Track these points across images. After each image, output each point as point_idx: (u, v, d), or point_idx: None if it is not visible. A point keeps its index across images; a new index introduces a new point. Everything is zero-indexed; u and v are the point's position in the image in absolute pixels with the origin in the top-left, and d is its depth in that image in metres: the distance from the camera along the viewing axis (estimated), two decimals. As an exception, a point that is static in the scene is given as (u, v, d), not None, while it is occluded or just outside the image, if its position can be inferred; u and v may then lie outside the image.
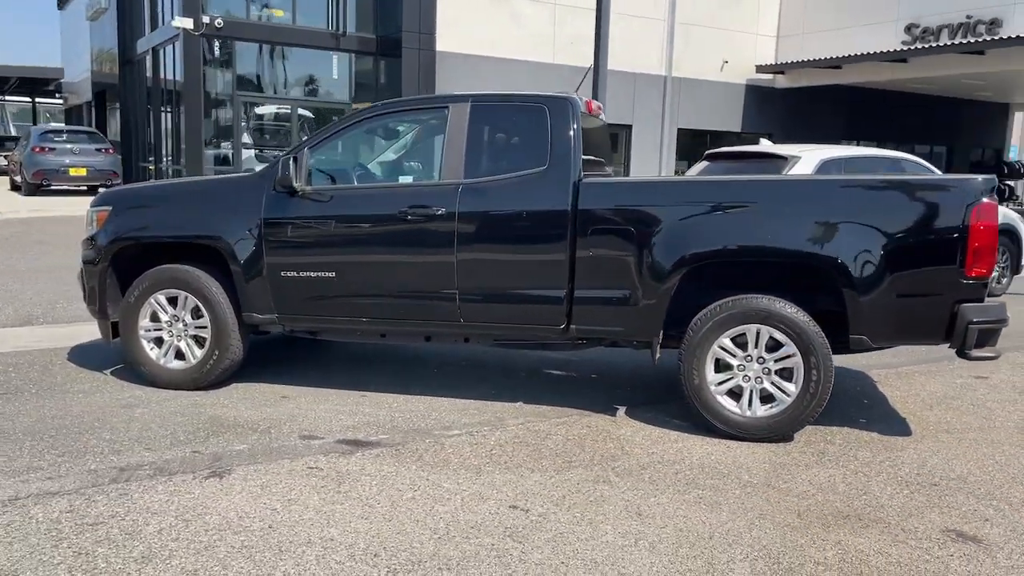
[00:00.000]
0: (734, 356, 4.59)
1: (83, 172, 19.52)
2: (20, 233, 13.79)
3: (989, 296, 4.55)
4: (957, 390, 5.84)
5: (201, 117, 19.03)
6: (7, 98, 50.32)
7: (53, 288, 8.80)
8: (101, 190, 20.40)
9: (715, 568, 3.14)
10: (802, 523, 3.56)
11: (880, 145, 23.68)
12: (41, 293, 8.55)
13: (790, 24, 25.69)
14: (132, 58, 24.86)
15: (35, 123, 41.53)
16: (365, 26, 20.83)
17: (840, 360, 5.27)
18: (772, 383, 4.56)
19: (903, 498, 3.86)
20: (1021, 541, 3.44)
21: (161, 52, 21.47)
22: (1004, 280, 10.27)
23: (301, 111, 20.57)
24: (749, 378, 4.58)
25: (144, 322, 5.29)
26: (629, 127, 23.28)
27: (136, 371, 5.37)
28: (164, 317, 5.27)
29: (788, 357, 4.50)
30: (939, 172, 10.20)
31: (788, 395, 4.52)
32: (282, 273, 5.09)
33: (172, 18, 19.23)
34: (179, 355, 5.30)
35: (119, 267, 5.42)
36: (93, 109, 31.73)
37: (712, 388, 4.62)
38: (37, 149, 19.65)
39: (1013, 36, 19.80)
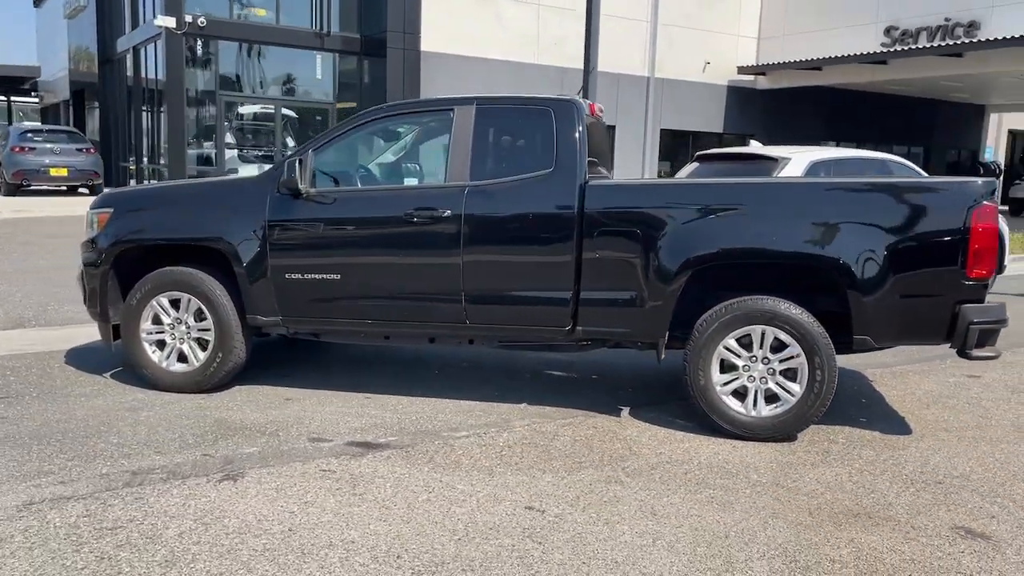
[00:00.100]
0: (739, 357, 4.65)
1: (64, 172, 19.31)
2: (5, 235, 13.63)
3: None
4: (952, 389, 5.94)
5: (184, 117, 18.90)
6: (-20, 97, 49.63)
7: (42, 290, 8.73)
8: (83, 190, 20.22)
9: (734, 567, 3.18)
10: (814, 521, 3.61)
11: (859, 146, 23.96)
12: (30, 295, 8.47)
13: (771, 26, 25.91)
14: (112, 57, 24.62)
15: (10, 122, 40.97)
16: (349, 26, 20.78)
17: (836, 360, 5.33)
18: (777, 383, 4.62)
19: (910, 496, 3.93)
20: (1028, 537, 3.51)
21: (142, 51, 21.30)
22: None
23: (284, 111, 20.48)
24: (754, 378, 4.64)
25: (146, 325, 5.27)
26: (612, 128, 23.38)
27: (138, 374, 5.34)
28: (166, 320, 5.25)
29: (792, 358, 4.56)
30: (925, 174, 10.36)
31: (792, 395, 4.58)
32: (286, 275, 5.08)
33: (153, 16, 19.12)
34: (182, 358, 5.28)
35: (120, 269, 5.39)
36: (71, 108, 31.38)
37: (718, 388, 4.67)
38: (17, 149, 19.41)
39: (991, 38, 20.09)
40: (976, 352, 4.51)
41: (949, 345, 4.61)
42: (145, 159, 22.00)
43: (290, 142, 20.78)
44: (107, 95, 25.57)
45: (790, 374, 4.60)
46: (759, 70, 25.74)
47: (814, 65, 23.82)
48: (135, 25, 22.01)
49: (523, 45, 21.49)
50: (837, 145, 26.34)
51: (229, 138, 19.91)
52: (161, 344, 5.29)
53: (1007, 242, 10.40)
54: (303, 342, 6.23)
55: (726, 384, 4.68)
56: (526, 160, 4.98)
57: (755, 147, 10.00)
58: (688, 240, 4.62)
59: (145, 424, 4.65)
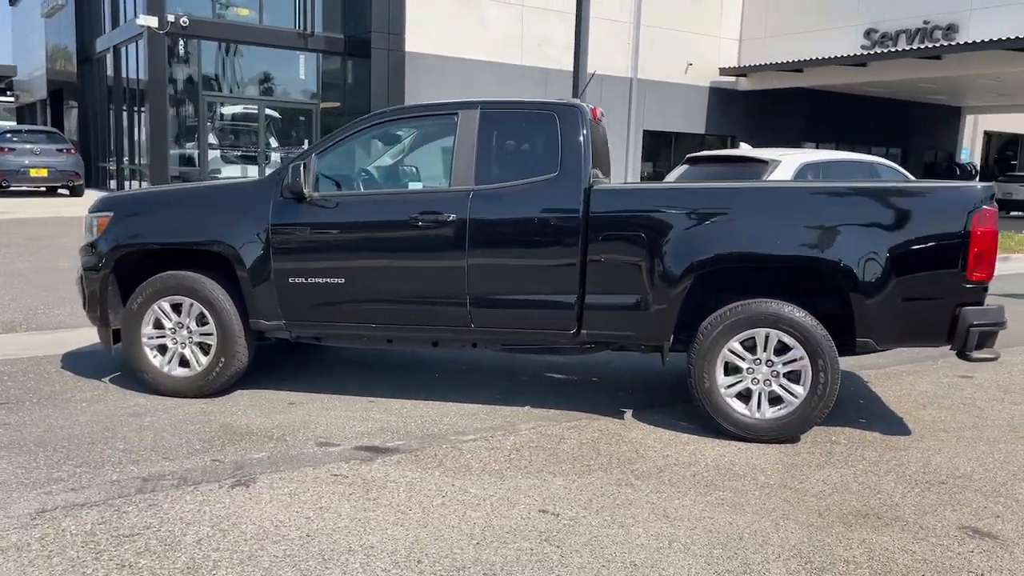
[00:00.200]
0: (743, 359, 4.70)
1: (44, 173, 19.08)
2: (-15, 236, 13.46)
3: None
4: (946, 389, 6.03)
5: (166, 117, 18.78)
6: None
7: (30, 293, 8.65)
8: (63, 191, 19.99)
9: (751, 569, 3.22)
10: (824, 523, 3.66)
11: (838, 147, 24.21)
12: (19, 299, 8.38)
13: (752, 27, 26.13)
14: (91, 56, 24.39)
15: (-15, 122, 40.39)
16: (332, 26, 20.72)
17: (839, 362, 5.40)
18: (780, 385, 4.67)
19: (915, 496, 3.99)
20: (1033, 536, 3.59)
21: (123, 50, 21.12)
22: None
23: (268, 111, 20.38)
24: (758, 381, 4.69)
25: (147, 329, 5.24)
26: (596, 129, 23.43)
27: (139, 379, 5.31)
28: (168, 324, 5.22)
29: (796, 360, 4.62)
30: (911, 176, 10.49)
31: (796, 397, 4.64)
32: (290, 279, 5.08)
33: (135, 16, 18.97)
34: (183, 362, 5.26)
35: (120, 274, 5.36)
36: (48, 108, 31.03)
37: (722, 391, 4.72)
38: (-4, 149, 19.19)
39: (969, 41, 20.38)
40: (976, 354, 4.58)
41: (949, 347, 4.68)
42: (126, 160, 21.80)
43: (273, 143, 20.69)
44: (86, 95, 25.32)
45: (793, 376, 4.66)
46: (741, 71, 25.96)
47: (795, 67, 24.05)
48: (115, 24, 21.82)
49: (507, 46, 21.54)
50: (817, 146, 26.65)
51: (212, 139, 19.78)
52: (163, 349, 5.26)
53: None
54: (302, 345, 6.21)
55: (730, 387, 4.72)
56: (530, 164, 5.01)
57: (745, 149, 10.08)
58: (694, 244, 4.66)
59: (150, 429, 4.63)
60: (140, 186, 20.27)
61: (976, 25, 20.74)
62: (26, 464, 4.05)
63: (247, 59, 20.02)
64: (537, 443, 4.60)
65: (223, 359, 5.15)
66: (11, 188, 19.79)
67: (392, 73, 19.65)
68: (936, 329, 4.60)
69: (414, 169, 5.81)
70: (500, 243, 4.91)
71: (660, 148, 26.20)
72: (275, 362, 6.15)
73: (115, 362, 5.80)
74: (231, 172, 19.91)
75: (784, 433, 4.67)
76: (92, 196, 20.62)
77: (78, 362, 6.03)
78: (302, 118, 20.93)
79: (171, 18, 18.16)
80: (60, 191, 20.27)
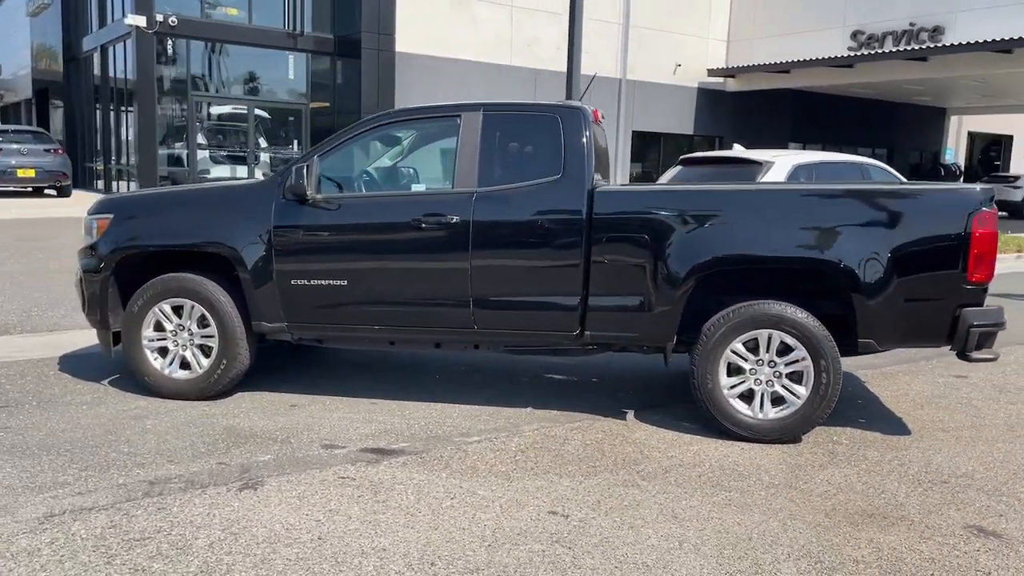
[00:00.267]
0: (746, 360, 4.73)
1: (31, 173, 18.93)
2: (-28, 237, 13.35)
3: None
4: (942, 389, 6.08)
5: (155, 117, 18.67)
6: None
7: (22, 295, 8.57)
8: (50, 191, 19.84)
9: (762, 569, 3.25)
10: (831, 522, 3.69)
11: (824, 147, 24.40)
12: (10, 300, 8.31)
13: (740, 29, 26.25)
14: (77, 55, 24.23)
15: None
16: (322, 26, 20.67)
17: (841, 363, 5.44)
18: (783, 386, 4.70)
19: (919, 496, 4.03)
20: (1037, 535, 3.63)
21: (111, 50, 20.98)
22: None
23: (257, 111, 20.30)
24: (760, 381, 4.72)
25: (148, 332, 5.22)
26: (585, 129, 23.46)
27: (140, 382, 5.28)
28: (169, 327, 5.20)
29: (798, 361, 4.65)
30: (901, 177, 10.57)
31: (799, 397, 4.67)
32: (292, 281, 5.07)
33: (122, 15, 18.86)
34: (184, 365, 5.24)
35: (119, 276, 5.33)
36: (34, 107, 30.79)
37: (725, 392, 4.74)
38: (-19, 150, 19.02)
39: (955, 43, 20.55)
40: (976, 354, 4.63)
41: (949, 348, 4.72)
42: (113, 160, 21.67)
43: (262, 143, 20.61)
44: (72, 94, 25.14)
45: (795, 377, 4.69)
46: (728, 72, 26.09)
47: (782, 68, 24.19)
48: (103, 23, 21.68)
49: (496, 47, 21.56)
50: (804, 147, 26.83)
51: (200, 139, 19.68)
52: (163, 351, 5.24)
53: None
54: (300, 347, 6.19)
55: (733, 387, 4.75)
56: (533, 166, 5.01)
57: (738, 151, 10.13)
58: (697, 245, 4.69)
59: (153, 432, 4.61)
60: (129, 186, 20.17)
61: (962, 27, 20.93)
62: (30, 468, 4.03)
63: (236, 59, 19.95)
64: (541, 444, 4.62)
65: (225, 361, 5.13)
66: (-3, 189, 19.66)
67: (382, 73, 19.63)
68: (937, 330, 4.65)
69: (416, 171, 5.81)
70: (503, 245, 4.92)
71: (648, 149, 26.28)
72: (274, 364, 6.13)
73: (113, 365, 5.76)
74: (220, 172, 19.83)
75: (786, 433, 4.71)
76: (79, 197, 20.49)
77: (76, 365, 5.99)
78: (291, 118, 20.87)
79: (159, 17, 18.07)
80: (47, 192, 20.12)
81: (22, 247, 12.27)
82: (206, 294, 5.13)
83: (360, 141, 5.29)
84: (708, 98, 26.33)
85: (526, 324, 4.99)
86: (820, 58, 23.07)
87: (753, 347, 4.72)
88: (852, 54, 22.97)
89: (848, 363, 6.36)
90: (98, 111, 22.74)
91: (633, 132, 24.91)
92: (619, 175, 23.98)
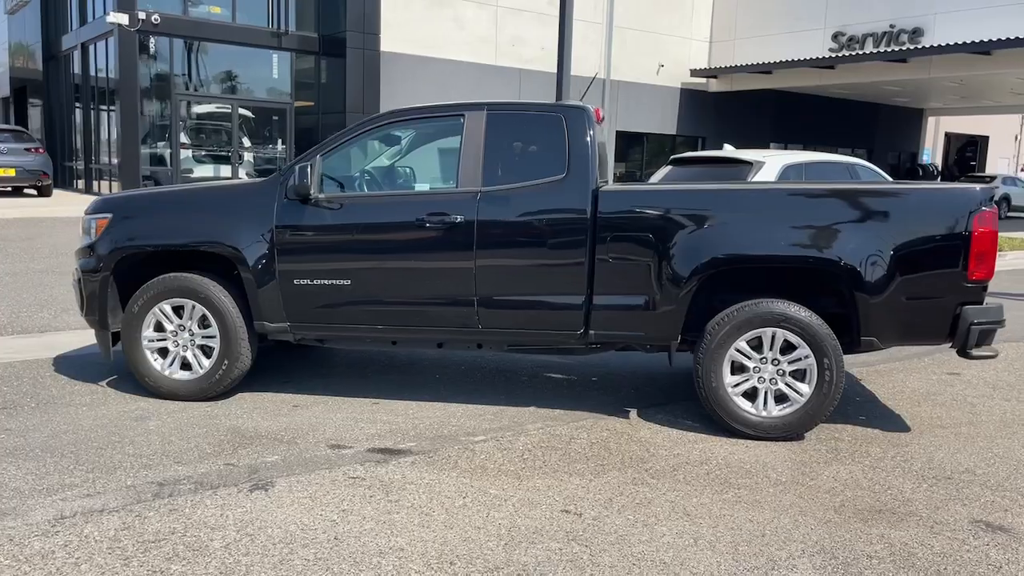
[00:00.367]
0: (749, 358, 4.76)
1: (11, 173, 18.65)
2: (-47, 237, 13.16)
3: None
4: (937, 386, 6.15)
5: (137, 116, 18.50)
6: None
7: (9, 296, 8.47)
8: (30, 191, 19.57)
9: (778, 565, 3.27)
10: (841, 519, 3.73)
11: (805, 147, 24.57)
12: (-1, 301, 8.22)
13: (722, 30, 26.41)
14: (57, 53, 23.95)
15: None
16: (306, 25, 20.57)
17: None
18: (786, 384, 4.74)
19: (924, 492, 4.08)
20: (1042, 529, 3.68)
21: (91, 48, 20.76)
22: None
23: (241, 110, 20.16)
24: (764, 379, 4.76)
25: (148, 332, 5.17)
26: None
27: (140, 383, 5.24)
28: (169, 327, 5.16)
29: (802, 359, 4.69)
30: (887, 176, 10.68)
31: (802, 395, 4.71)
32: (295, 281, 5.05)
33: (104, 13, 18.66)
34: (185, 365, 5.20)
35: (118, 276, 5.28)
36: (12, 106, 30.40)
37: (729, 390, 4.77)
38: (-40, 149, 18.74)
39: (934, 45, 20.80)
40: (976, 352, 4.69)
41: (950, 345, 4.78)
42: (94, 159, 21.45)
43: (246, 142, 20.48)
44: (51, 93, 24.85)
45: (799, 375, 4.73)
46: (711, 73, 26.24)
47: (764, 69, 24.37)
48: (83, 21, 21.44)
49: (481, 46, 21.55)
50: (785, 147, 27.02)
51: (184, 138, 19.52)
52: (163, 352, 5.20)
53: None
54: (298, 346, 6.16)
55: (737, 385, 4.78)
56: (537, 166, 5.02)
57: (728, 151, 10.20)
58: (702, 244, 4.71)
59: (156, 433, 4.57)
60: (110, 186, 19.97)
61: (941, 29, 21.18)
62: (36, 470, 3.98)
63: (219, 57, 19.80)
64: (548, 443, 4.62)
65: (227, 362, 5.10)
66: (-26, 189, 19.40)
67: (367, 73, 19.56)
68: (938, 327, 4.70)
69: (419, 171, 5.79)
70: (508, 244, 4.92)
71: (632, 149, 26.38)
72: (272, 364, 6.10)
73: (110, 366, 5.71)
74: (203, 172, 19.68)
75: (790, 431, 4.75)
76: (60, 196, 20.25)
77: (71, 366, 5.93)
78: (275, 117, 20.74)
79: (142, 15, 17.90)
80: (27, 191, 19.86)
81: (5, 248, 12.11)
82: (208, 294, 5.09)
83: (362, 140, 5.28)
84: (691, 98, 26.47)
85: (530, 323, 4.99)
86: (802, 59, 23.26)
87: (757, 345, 4.76)
88: (833, 55, 23.18)
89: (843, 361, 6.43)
90: (78, 110, 22.48)
91: (617, 132, 24.98)
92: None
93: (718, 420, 4.82)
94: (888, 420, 5.27)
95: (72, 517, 3.47)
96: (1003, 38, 19.27)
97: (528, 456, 4.42)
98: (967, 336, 4.63)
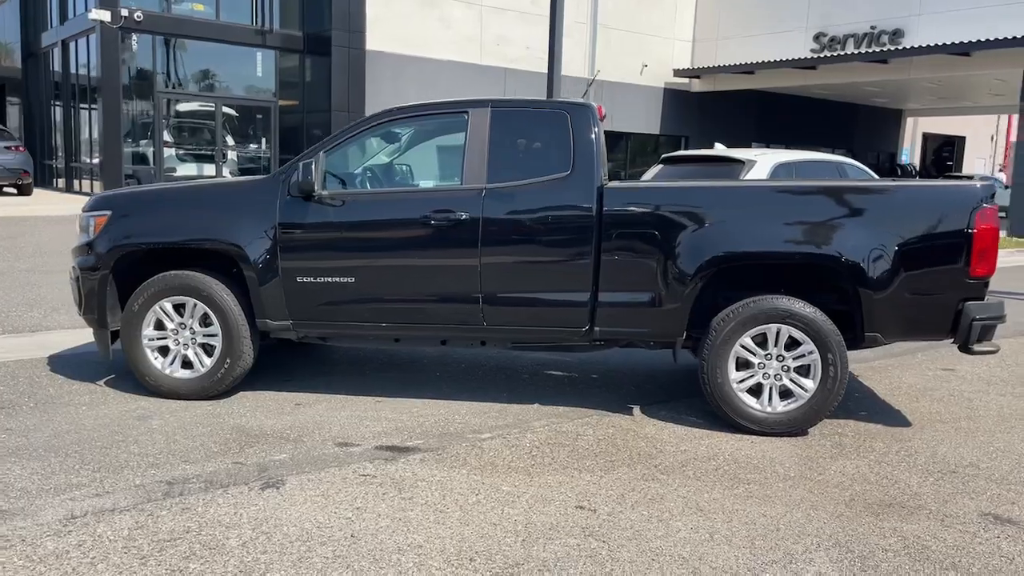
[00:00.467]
0: (754, 355, 4.78)
1: (-9, 171, 18.46)
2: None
3: None
4: (933, 382, 6.21)
5: (119, 114, 18.31)
6: None
7: (-1, 295, 8.36)
8: (10, 189, 19.31)
9: (795, 559, 3.29)
10: (853, 513, 3.76)
11: (787, 147, 24.74)
12: (-13, 300, 8.10)
13: (705, 30, 26.53)
14: (36, 50, 23.66)
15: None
16: (291, 23, 20.46)
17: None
18: (791, 380, 4.77)
19: (931, 485, 4.11)
20: (1050, 521, 3.73)
21: (72, 45, 20.53)
22: None
23: (225, 109, 20.02)
24: (769, 375, 4.78)
25: (148, 331, 5.12)
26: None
27: (140, 382, 5.18)
28: (170, 325, 5.12)
29: (806, 355, 4.72)
30: (875, 175, 10.77)
31: (806, 391, 4.74)
32: (298, 279, 5.01)
33: (85, 9, 18.46)
34: (186, 364, 5.16)
35: (117, 274, 5.22)
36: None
37: (734, 386, 4.79)
38: (-62, 147, 18.47)
39: (915, 46, 21.01)
40: (977, 347, 4.74)
41: (952, 341, 4.83)
42: (75, 157, 21.21)
43: (230, 140, 20.33)
44: (31, 91, 24.54)
45: (803, 370, 4.76)
46: (694, 73, 26.35)
47: (747, 69, 24.49)
48: (64, 18, 21.20)
49: (466, 46, 21.52)
50: (767, 146, 27.19)
51: (167, 136, 19.35)
52: (164, 350, 5.15)
53: None
54: (297, 344, 6.13)
55: (742, 381, 4.80)
56: (542, 163, 5.03)
57: (720, 150, 10.25)
58: (707, 241, 4.73)
59: (160, 432, 4.53)
60: (92, 185, 19.76)
61: (922, 30, 21.39)
62: (41, 470, 3.93)
63: (203, 55, 19.65)
64: (555, 440, 4.62)
65: (229, 360, 5.06)
66: (-47, 187, 19.12)
67: (352, 71, 19.48)
68: (940, 323, 4.74)
69: (423, 168, 5.78)
70: (514, 241, 4.92)
71: (615, 148, 26.41)
72: (272, 362, 6.06)
73: (106, 365, 5.64)
74: (186, 171, 19.52)
75: (795, 426, 4.78)
76: (40, 195, 20.01)
77: (67, 365, 5.86)
78: (259, 116, 20.61)
79: (124, 12, 17.72)
80: (7, 190, 19.60)
81: (-11, 246, 11.95)
82: (210, 292, 5.05)
83: (365, 137, 5.26)
84: (674, 98, 26.57)
85: (536, 320, 4.99)
86: (784, 59, 23.41)
87: (761, 341, 4.78)
88: (815, 56, 23.34)
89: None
90: (58, 108, 22.23)
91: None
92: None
93: (723, 416, 4.85)
94: (888, 415, 5.31)
95: (83, 517, 3.42)
96: (982, 39, 19.50)
97: (536, 453, 4.41)
98: (969, 332, 4.68)
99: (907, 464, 4.41)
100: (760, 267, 4.91)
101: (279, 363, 6.09)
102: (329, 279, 5.01)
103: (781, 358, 4.77)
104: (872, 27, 22.57)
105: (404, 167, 5.70)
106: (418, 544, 3.29)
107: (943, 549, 3.41)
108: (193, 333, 5.12)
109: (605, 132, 5.25)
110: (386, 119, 5.21)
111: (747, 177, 8.60)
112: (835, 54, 22.94)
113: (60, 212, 16.22)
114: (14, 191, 19.44)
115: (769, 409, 4.79)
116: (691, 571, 3.16)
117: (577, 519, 3.58)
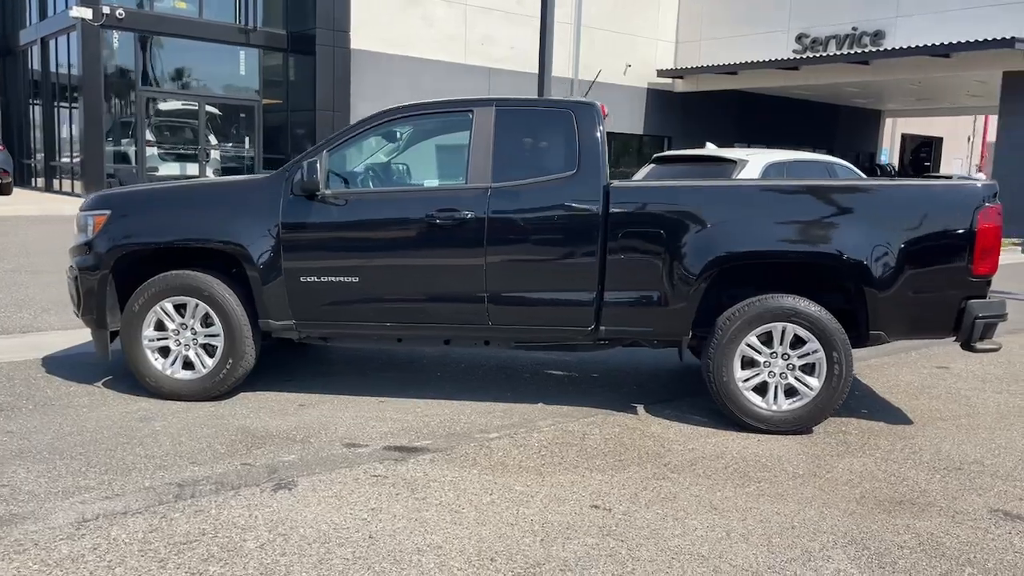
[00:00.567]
0: (760, 353, 4.80)
1: (-30, 170, 18.20)
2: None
3: None
4: (930, 380, 6.27)
5: (102, 113, 18.11)
6: None
7: (-14, 295, 8.24)
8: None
9: (813, 556, 3.31)
10: (865, 510, 3.78)
11: (769, 147, 24.89)
12: (-26, 301, 7.99)
13: (688, 30, 26.65)
14: (14, 48, 23.36)
15: None
16: (274, 22, 20.33)
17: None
18: (796, 378, 4.79)
19: (939, 482, 4.15)
20: (1058, 517, 3.77)
21: (52, 43, 20.28)
22: None
23: (208, 108, 19.85)
24: (774, 374, 4.81)
25: (148, 331, 5.06)
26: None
27: (141, 383, 5.12)
28: (171, 325, 5.06)
29: (811, 353, 4.74)
30: (862, 174, 10.85)
31: (811, 389, 4.76)
32: (301, 278, 4.97)
33: (65, 7, 18.25)
34: (187, 365, 5.10)
35: (116, 274, 5.16)
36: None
37: (740, 384, 4.81)
38: (-85, 146, 18.19)
39: (895, 47, 21.21)
40: (980, 345, 4.79)
41: (954, 339, 4.87)
42: (56, 156, 20.95)
43: (212, 140, 20.17)
44: (8, 89, 24.22)
45: (808, 369, 4.78)
46: (677, 73, 26.47)
47: (729, 69, 24.63)
48: (43, 15, 20.94)
49: (451, 45, 21.48)
50: (748, 146, 27.36)
51: (149, 135, 19.16)
52: (164, 351, 5.10)
53: None
54: (297, 344, 6.09)
55: (747, 380, 4.82)
56: (548, 162, 5.02)
57: (711, 149, 10.29)
58: (713, 240, 4.74)
59: (165, 434, 4.48)
60: (72, 184, 19.53)
61: (902, 32, 21.61)
62: (47, 473, 3.87)
63: (186, 54, 19.47)
64: (562, 440, 4.62)
65: (231, 361, 5.01)
66: (-68, 187, 18.82)
67: (337, 70, 19.39)
68: (943, 321, 4.79)
69: (427, 167, 5.75)
70: (519, 240, 4.91)
71: (599, 148, 26.44)
72: (273, 362, 6.01)
73: (103, 366, 5.57)
74: (169, 170, 19.35)
75: (799, 424, 4.80)
76: (20, 195, 19.75)
77: (62, 366, 5.78)
78: (243, 115, 20.46)
79: (106, 10, 17.53)
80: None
81: (-29, 246, 11.78)
82: (211, 292, 5.00)
83: (368, 136, 5.22)
84: (657, 98, 26.67)
85: (541, 319, 4.99)
86: (767, 60, 23.56)
87: (766, 340, 4.80)
88: (797, 57, 23.52)
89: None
90: (37, 106, 21.95)
91: (585, 132, 25.02)
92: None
93: (728, 414, 4.86)
94: (890, 413, 5.36)
95: (95, 520, 3.38)
96: (962, 41, 19.73)
97: (545, 452, 4.41)
98: (972, 330, 4.72)
99: (913, 461, 4.44)
100: (765, 266, 4.93)
101: (279, 363, 6.05)
102: (333, 279, 4.98)
103: (786, 356, 4.79)
104: (854, 28, 22.78)
105: (408, 166, 5.68)
106: (437, 545, 3.28)
107: (957, 545, 3.44)
108: (194, 333, 5.07)
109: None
110: (389, 118, 5.18)
111: (739, 177, 8.64)
112: (817, 55, 23.13)
113: (42, 212, 16.02)
114: (-7, 191, 19.20)
115: (775, 407, 4.82)
116: (712, 569, 3.17)
117: (593, 518, 3.58)
